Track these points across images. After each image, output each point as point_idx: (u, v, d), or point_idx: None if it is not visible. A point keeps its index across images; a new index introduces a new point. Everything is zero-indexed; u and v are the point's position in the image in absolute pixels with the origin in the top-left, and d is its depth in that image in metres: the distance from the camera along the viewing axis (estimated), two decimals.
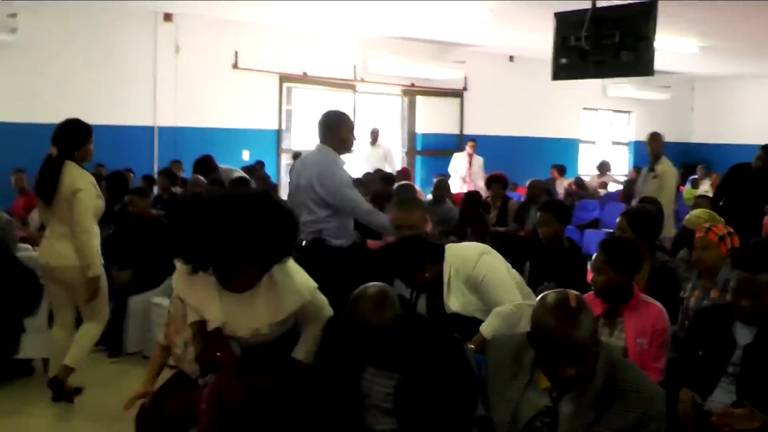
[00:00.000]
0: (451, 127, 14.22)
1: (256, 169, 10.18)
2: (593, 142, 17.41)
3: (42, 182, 4.95)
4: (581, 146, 16.90)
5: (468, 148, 13.00)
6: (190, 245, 2.93)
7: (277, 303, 3.13)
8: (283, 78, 11.72)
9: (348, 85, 12.61)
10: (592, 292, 3.59)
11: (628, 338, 3.44)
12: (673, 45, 11.36)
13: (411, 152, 14.15)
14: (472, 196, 8.94)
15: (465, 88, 14.16)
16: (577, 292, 2.42)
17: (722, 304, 3.40)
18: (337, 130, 4.99)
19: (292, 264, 3.22)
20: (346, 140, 5.04)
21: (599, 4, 7.05)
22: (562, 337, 2.29)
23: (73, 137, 4.95)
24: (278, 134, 11.87)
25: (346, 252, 4.90)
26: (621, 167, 17.41)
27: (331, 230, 4.85)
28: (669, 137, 17.54)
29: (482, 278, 3.67)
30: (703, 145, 18.56)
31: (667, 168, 8.71)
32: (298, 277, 3.21)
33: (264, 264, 3.03)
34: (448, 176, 11.49)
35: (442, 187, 8.89)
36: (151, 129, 10.29)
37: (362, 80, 12.69)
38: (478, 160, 12.87)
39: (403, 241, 3.89)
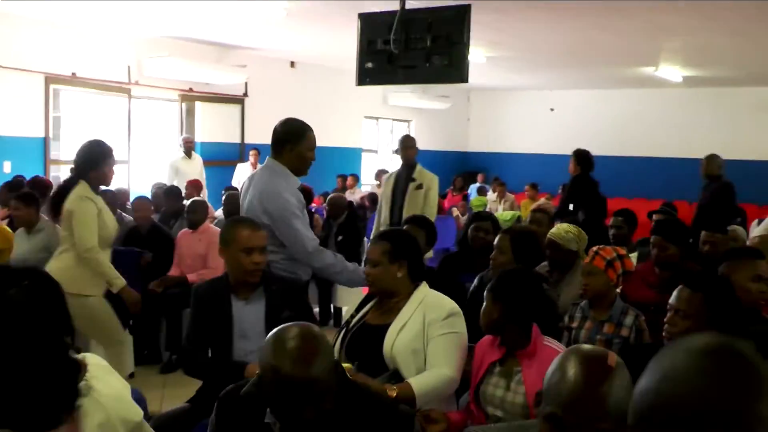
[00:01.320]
0: (232, 136, 13.51)
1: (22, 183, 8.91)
2: (375, 151, 17.39)
3: (51, 199, 4.99)
4: (364, 155, 16.77)
5: (251, 158, 12.52)
6: None
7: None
8: (50, 79, 10.41)
9: (122, 89, 11.52)
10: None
11: (529, 392, 2.85)
12: None
13: None
14: None
15: (246, 94, 13.51)
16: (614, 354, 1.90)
17: (653, 343, 3.06)
18: (295, 145, 4.20)
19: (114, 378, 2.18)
20: (303, 158, 4.24)
21: (409, 6, 6.72)
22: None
23: (87, 158, 4.82)
24: (45, 143, 10.53)
25: (303, 288, 4.11)
26: None
27: (282, 263, 4.06)
28: (447, 146, 18.22)
29: (442, 334, 3.13)
30: (479, 153, 19.23)
31: (430, 176, 7.93)
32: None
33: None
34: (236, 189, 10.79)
35: (235, 202, 8.16)
36: None
37: (137, 83, 11.65)
38: None
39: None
